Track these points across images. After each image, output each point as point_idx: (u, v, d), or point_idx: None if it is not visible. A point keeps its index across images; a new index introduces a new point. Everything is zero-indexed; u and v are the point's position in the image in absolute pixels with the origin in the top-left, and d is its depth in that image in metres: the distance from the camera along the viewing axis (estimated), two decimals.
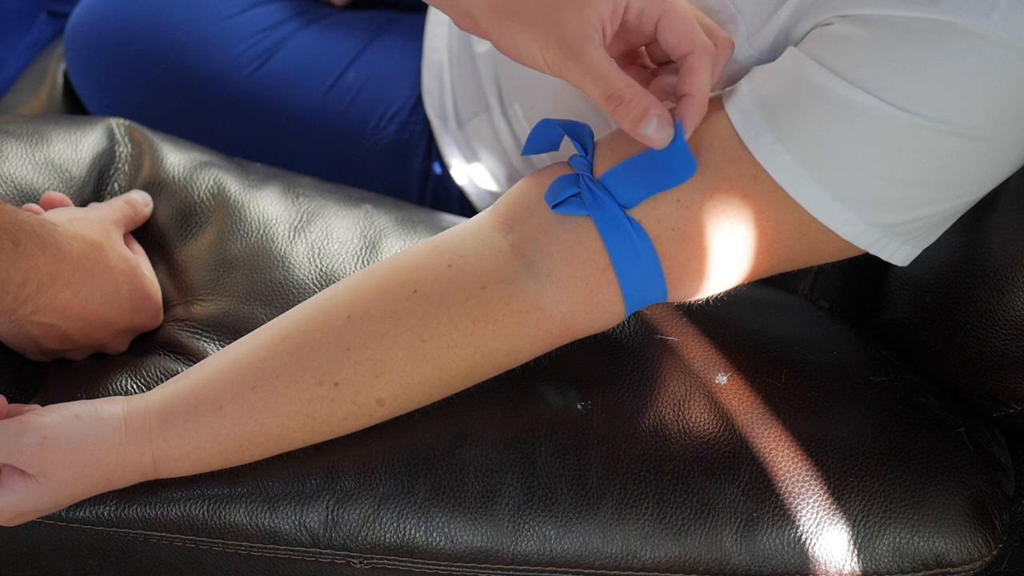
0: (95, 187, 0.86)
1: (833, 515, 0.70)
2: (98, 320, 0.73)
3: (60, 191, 0.83)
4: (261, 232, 0.83)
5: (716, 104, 0.67)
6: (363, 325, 0.66)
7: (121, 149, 0.88)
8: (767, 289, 0.84)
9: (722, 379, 0.74)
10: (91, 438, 0.66)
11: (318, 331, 0.67)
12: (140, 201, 0.83)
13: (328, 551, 0.71)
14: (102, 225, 0.76)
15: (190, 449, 0.67)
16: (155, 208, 0.85)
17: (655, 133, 0.63)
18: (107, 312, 0.73)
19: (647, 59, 0.71)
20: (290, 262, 0.81)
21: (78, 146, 0.87)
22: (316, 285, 0.79)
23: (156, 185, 0.86)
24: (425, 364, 0.67)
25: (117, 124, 0.90)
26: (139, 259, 0.80)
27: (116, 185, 0.86)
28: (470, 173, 1.01)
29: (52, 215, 0.76)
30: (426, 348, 0.66)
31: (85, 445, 0.66)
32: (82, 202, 0.84)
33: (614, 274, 0.66)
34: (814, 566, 0.69)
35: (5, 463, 0.65)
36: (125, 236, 0.81)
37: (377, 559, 0.71)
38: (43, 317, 0.70)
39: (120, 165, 0.87)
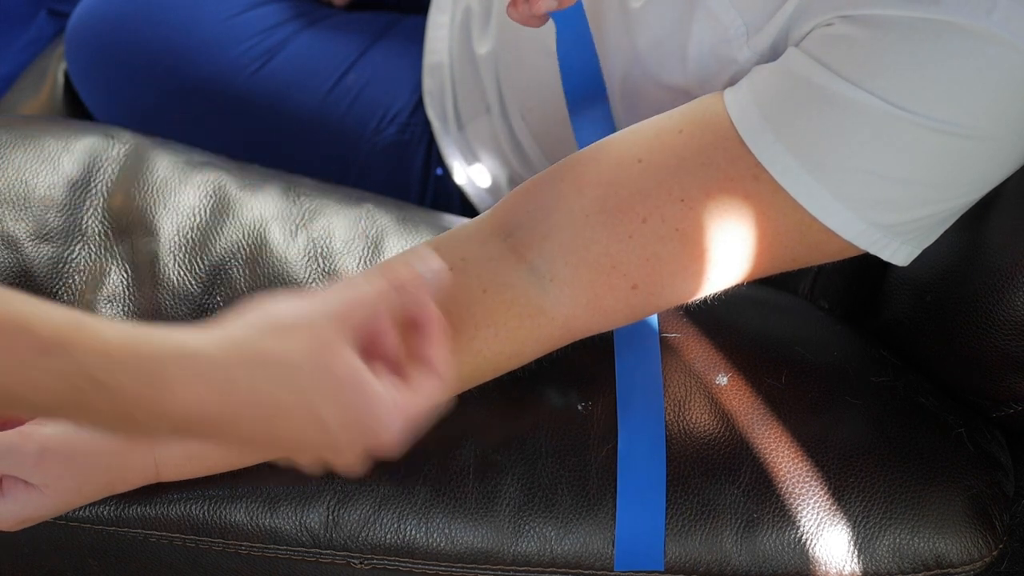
0: (84, 187, 0.85)
1: (833, 515, 0.70)
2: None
3: (52, 189, 0.82)
4: (261, 232, 0.83)
5: (718, 103, 0.67)
6: None
7: (114, 150, 0.87)
8: (767, 289, 0.84)
9: (722, 379, 0.74)
10: (93, 447, 0.65)
11: None
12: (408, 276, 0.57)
13: (328, 551, 0.71)
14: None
15: (193, 454, 0.67)
16: (154, 209, 0.84)
17: None
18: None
19: None
20: (290, 261, 0.81)
21: (70, 146, 0.86)
22: (317, 285, 0.79)
23: (155, 185, 0.86)
24: None
25: (113, 128, 0.89)
26: None
27: (104, 188, 0.85)
28: (470, 174, 1.00)
29: None
30: None
31: (87, 454, 0.65)
32: (73, 201, 0.83)
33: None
34: (814, 567, 0.69)
35: (6, 474, 0.64)
36: None
37: (377, 559, 0.71)
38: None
39: (112, 166, 0.86)
